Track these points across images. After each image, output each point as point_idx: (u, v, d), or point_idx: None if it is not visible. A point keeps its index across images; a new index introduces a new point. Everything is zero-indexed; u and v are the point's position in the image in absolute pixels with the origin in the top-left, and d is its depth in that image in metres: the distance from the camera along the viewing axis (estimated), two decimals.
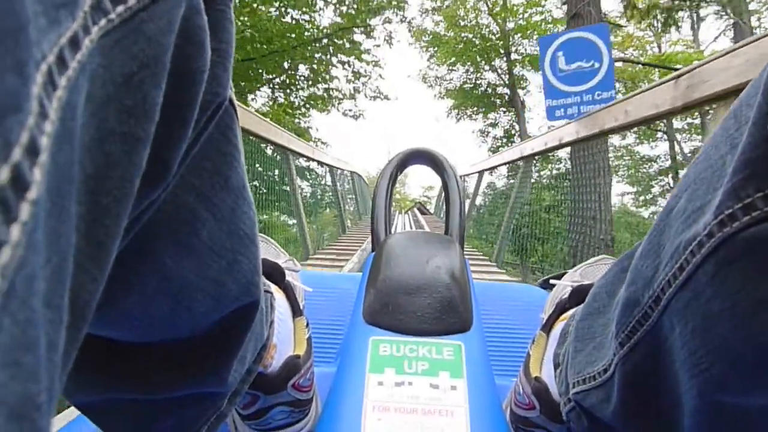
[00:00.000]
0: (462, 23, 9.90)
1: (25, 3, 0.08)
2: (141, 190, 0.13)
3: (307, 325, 0.33)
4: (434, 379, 0.30)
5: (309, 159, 3.53)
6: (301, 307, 0.33)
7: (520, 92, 10.36)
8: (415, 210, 9.85)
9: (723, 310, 0.17)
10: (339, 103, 7.53)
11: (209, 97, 0.16)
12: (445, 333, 0.32)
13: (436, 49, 10.45)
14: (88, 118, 0.11)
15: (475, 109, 11.02)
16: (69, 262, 0.10)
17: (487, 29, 9.93)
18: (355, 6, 6.16)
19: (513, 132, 10.63)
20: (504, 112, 10.76)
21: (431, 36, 10.58)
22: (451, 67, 10.75)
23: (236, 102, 0.20)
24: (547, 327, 0.33)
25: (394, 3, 6.61)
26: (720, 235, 0.16)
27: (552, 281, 0.36)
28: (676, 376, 0.20)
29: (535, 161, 3.14)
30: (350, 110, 7.79)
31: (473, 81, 10.73)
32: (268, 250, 0.37)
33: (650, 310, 0.20)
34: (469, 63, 10.25)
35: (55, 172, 0.09)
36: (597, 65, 2.46)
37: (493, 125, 11.07)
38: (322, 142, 8.09)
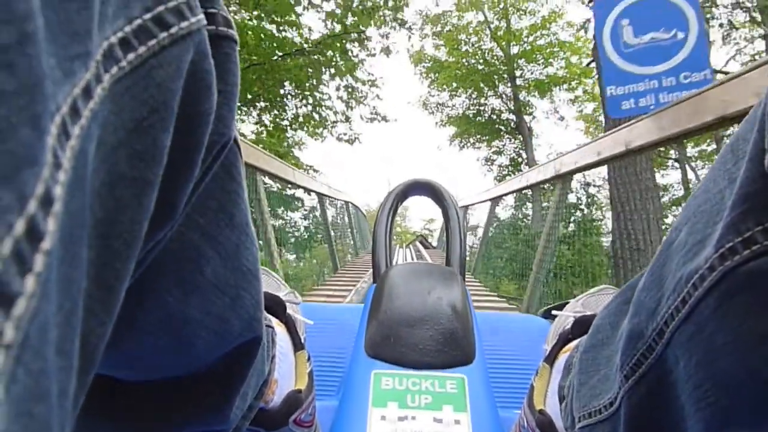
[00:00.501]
0: (464, 48, 10.26)
1: (42, 58, 0.09)
2: (148, 231, 0.15)
3: (309, 358, 0.35)
4: (438, 413, 0.33)
5: (291, 185, 3.26)
6: (303, 341, 0.36)
7: (527, 118, 10.61)
8: (417, 243, 9.86)
9: (726, 344, 0.18)
10: (332, 127, 7.11)
11: (215, 137, 0.18)
12: (448, 366, 0.34)
13: (436, 75, 10.79)
14: (98, 163, 0.12)
15: (479, 137, 11.21)
16: (80, 307, 0.11)
17: (491, 53, 10.30)
18: (346, 6, 5.47)
19: (520, 160, 10.79)
20: (510, 139, 10.98)
21: (431, 61, 10.93)
22: (453, 93, 11.07)
23: (239, 139, 0.21)
24: (551, 358, 0.35)
25: (391, 4, 6.12)
26: (721, 268, 0.17)
27: (554, 312, 0.39)
28: (682, 410, 0.21)
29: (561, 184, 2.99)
30: (345, 134, 7.13)
31: (476, 107, 11.04)
32: (269, 282, 0.40)
33: (654, 342, 0.22)
34: (471, 89, 10.57)
35: (68, 220, 0.10)
36: (681, 36, 1.77)
37: (499, 153, 11.31)
38: (314, 170, 7.83)
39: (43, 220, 0.08)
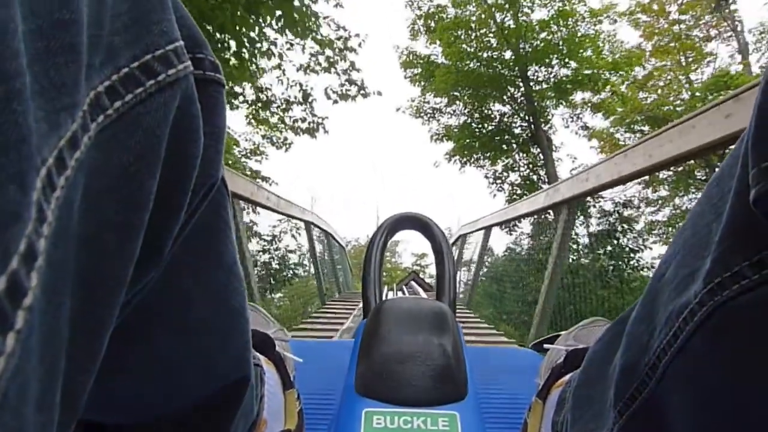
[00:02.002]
0: (464, 46, 10.30)
1: (28, 114, 0.11)
2: (134, 275, 0.17)
3: (298, 397, 0.43)
4: None
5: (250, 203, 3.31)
6: (292, 379, 0.44)
7: (543, 127, 10.61)
8: (412, 283, 9.83)
9: (720, 378, 0.22)
10: (285, 110, 5.75)
11: (202, 179, 0.21)
12: (440, 402, 0.43)
13: (431, 78, 10.77)
14: (84, 211, 0.14)
15: (484, 152, 11.16)
16: (62, 358, 0.13)
17: (498, 49, 10.31)
18: None
19: (536, 177, 10.75)
20: (523, 153, 10.98)
21: (424, 63, 10.92)
22: (451, 101, 11.07)
23: (227, 180, 0.26)
24: (544, 393, 0.43)
25: None
26: (711, 303, 0.21)
27: (546, 345, 0.47)
28: None
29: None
30: (304, 121, 5.75)
31: (479, 117, 11.06)
32: (257, 319, 0.48)
33: (647, 377, 0.27)
34: (471, 92, 10.60)
35: (52, 272, 0.11)
36: None
37: (510, 169, 11.26)
38: (266, 179, 7.11)
39: (25, 276, 0.10)
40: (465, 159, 11.52)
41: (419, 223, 0.64)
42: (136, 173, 0.16)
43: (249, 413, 0.33)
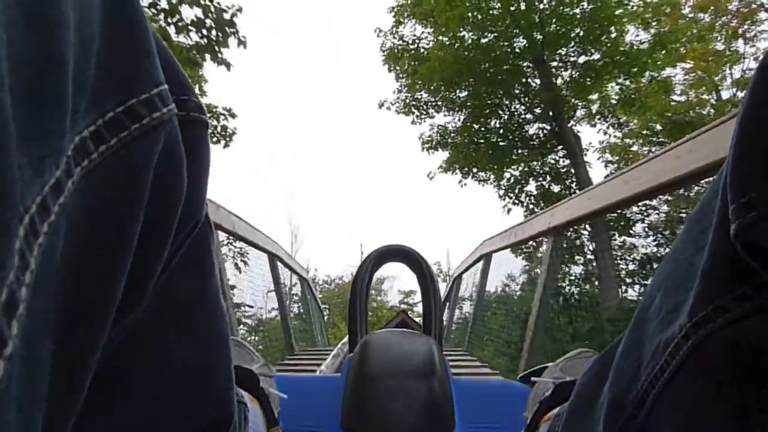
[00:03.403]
0: (463, 32, 9.85)
1: (12, 163, 0.13)
2: (117, 316, 0.20)
3: None
4: None
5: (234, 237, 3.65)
6: (276, 416, 0.53)
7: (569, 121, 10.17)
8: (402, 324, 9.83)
9: (708, 411, 0.27)
10: None
11: (185, 218, 0.24)
12: None
13: (416, 63, 10.34)
14: (66, 255, 0.16)
15: (489, 160, 10.57)
16: (42, 404, 0.15)
17: (504, 23, 9.73)
18: None
19: (559, 186, 10.48)
20: (541, 157, 10.63)
21: (413, 51, 10.50)
22: (446, 95, 10.58)
23: (210, 218, 0.31)
24: (532, 428, 0.53)
25: None
26: (695, 337, 0.26)
27: (533, 378, 0.57)
28: None
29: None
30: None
31: (483, 114, 10.57)
32: (241, 354, 0.58)
33: (636, 411, 0.32)
34: (470, 89, 10.19)
35: (32, 319, 0.13)
36: None
37: (526, 178, 10.88)
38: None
39: (6, 326, 0.12)
40: (466, 168, 11.16)
41: (405, 256, 0.76)
42: (119, 216, 0.19)
43: None
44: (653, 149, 9.41)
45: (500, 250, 4.51)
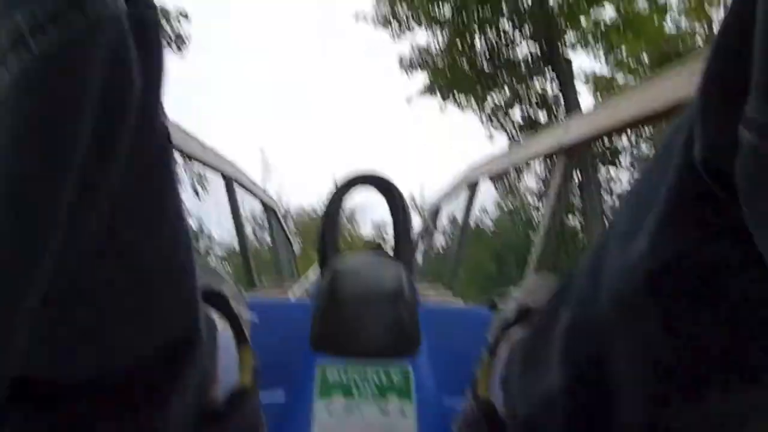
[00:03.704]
0: None
1: None
2: (67, 218, 0.21)
3: (253, 354, 0.56)
4: (383, 403, 0.55)
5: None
6: (247, 336, 0.56)
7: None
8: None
9: (661, 332, 0.30)
10: None
11: (140, 125, 0.25)
12: (394, 355, 0.57)
13: None
14: (6, 150, 0.18)
15: (471, 84, 10.31)
16: None
17: None
18: None
19: (548, 115, 10.15)
20: (530, 82, 10.29)
21: None
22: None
23: (170, 129, 0.31)
24: (494, 349, 0.57)
25: None
26: (654, 260, 0.29)
27: (497, 302, 0.62)
28: (620, 397, 0.35)
29: None
30: None
31: (470, 32, 10.01)
32: (212, 276, 0.60)
33: (592, 332, 0.36)
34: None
35: None
36: None
37: (511, 104, 10.54)
38: None
39: None
40: (446, 91, 10.69)
41: (376, 181, 0.80)
42: (64, 113, 0.19)
43: (201, 369, 0.41)
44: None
45: (494, 176, 4.33)
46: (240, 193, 4.55)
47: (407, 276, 0.64)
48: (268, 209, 5.96)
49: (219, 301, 0.55)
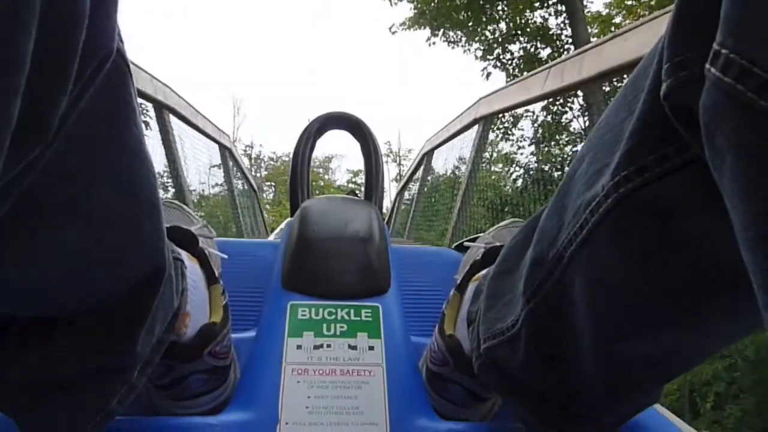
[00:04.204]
0: None
1: None
2: (14, 148, 0.21)
3: (224, 292, 0.59)
4: (352, 341, 0.59)
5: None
6: (217, 275, 0.59)
7: None
8: None
9: (617, 265, 0.33)
10: None
11: (92, 47, 0.25)
12: (364, 296, 0.61)
13: None
14: None
15: (458, 15, 9.69)
16: None
17: None
18: None
19: (549, 50, 9.99)
20: (527, 10, 9.77)
21: None
22: None
23: (128, 56, 0.31)
24: (461, 287, 0.61)
25: None
26: (615, 195, 0.31)
27: (466, 244, 0.68)
28: (576, 328, 0.39)
29: None
30: None
31: None
32: (180, 216, 0.63)
33: (554, 267, 0.39)
34: None
35: None
36: None
37: (515, 35, 10.14)
38: None
39: None
40: (435, 22, 10.23)
41: (347, 123, 0.83)
42: (5, 26, 0.19)
43: (168, 306, 0.45)
44: None
45: (511, 108, 3.74)
46: (183, 129, 3.92)
47: (377, 217, 0.68)
48: (224, 150, 4.97)
49: (187, 241, 0.58)
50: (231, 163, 5.30)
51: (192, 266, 0.57)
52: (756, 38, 0.21)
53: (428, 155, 5.46)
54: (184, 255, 0.56)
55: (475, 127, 4.14)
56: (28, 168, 0.24)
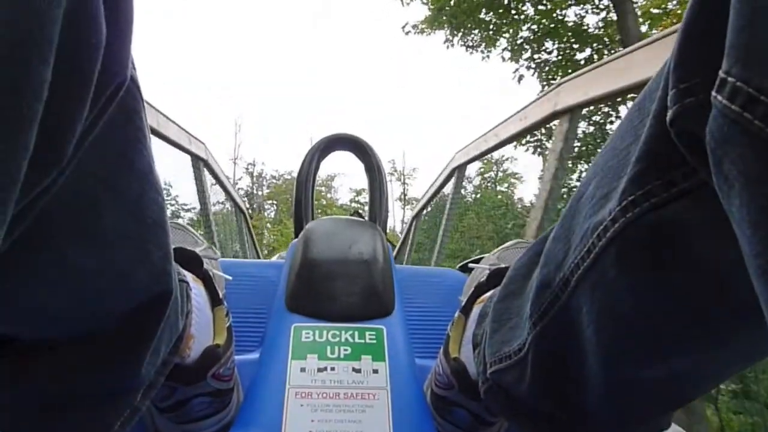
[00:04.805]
0: None
1: None
2: (31, 174, 0.22)
3: (227, 314, 0.60)
4: (356, 363, 0.60)
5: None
6: (221, 296, 0.61)
7: None
8: None
9: (625, 290, 0.34)
10: None
11: (107, 76, 0.27)
12: (368, 318, 0.62)
13: None
14: None
15: (481, 21, 9.31)
16: None
17: None
18: None
19: (588, 50, 9.59)
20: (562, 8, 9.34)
21: None
22: None
23: (140, 83, 0.33)
24: (466, 309, 0.63)
25: None
26: (623, 220, 0.32)
27: (471, 265, 0.70)
28: (584, 353, 0.39)
29: None
30: None
31: None
32: (185, 238, 0.65)
33: (560, 291, 0.40)
34: None
35: None
36: None
37: (546, 34, 9.75)
38: None
39: None
40: (455, 21, 9.88)
41: (352, 144, 0.86)
42: (24, 57, 0.20)
43: (174, 328, 0.46)
44: None
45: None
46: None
47: (381, 239, 0.70)
48: (198, 162, 4.03)
49: (193, 262, 0.61)
50: (207, 178, 4.38)
51: (196, 288, 0.60)
52: (762, 66, 0.22)
53: (460, 169, 4.75)
54: (189, 276, 0.58)
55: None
56: (42, 194, 0.26)
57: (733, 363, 0.40)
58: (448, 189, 4.95)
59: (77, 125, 0.26)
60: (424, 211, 5.83)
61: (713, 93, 0.24)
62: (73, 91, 0.25)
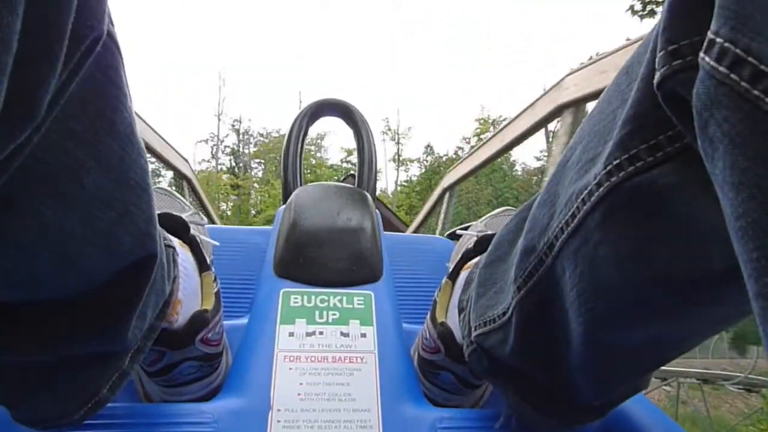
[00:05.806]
0: None
1: None
2: (3, 130, 0.22)
3: (215, 279, 0.61)
4: (344, 328, 0.61)
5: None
6: (209, 262, 0.61)
7: None
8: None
9: (608, 254, 0.34)
10: None
11: (82, 30, 0.26)
12: (356, 283, 0.63)
13: None
14: None
15: None
16: None
17: None
18: None
19: None
20: None
21: None
22: None
23: (118, 39, 0.32)
24: (453, 275, 0.64)
25: None
26: (608, 184, 0.32)
27: (459, 232, 0.72)
28: (566, 317, 0.41)
29: None
30: None
31: None
32: (172, 203, 0.65)
33: (545, 255, 0.41)
34: None
35: None
36: None
37: None
38: None
39: None
40: None
41: (341, 110, 0.86)
42: None
43: (160, 292, 0.47)
44: None
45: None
46: None
47: (370, 205, 0.71)
48: (177, 177, 3.88)
49: (179, 227, 0.61)
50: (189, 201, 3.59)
51: (184, 253, 0.60)
52: (751, 27, 0.22)
53: (450, 190, 4.72)
54: (176, 242, 0.58)
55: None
56: (16, 151, 0.25)
57: (711, 325, 0.41)
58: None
59: (50, 80, 0.25)
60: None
61: (701, 54, 0.24)
62: (46, 44, 0.24)
